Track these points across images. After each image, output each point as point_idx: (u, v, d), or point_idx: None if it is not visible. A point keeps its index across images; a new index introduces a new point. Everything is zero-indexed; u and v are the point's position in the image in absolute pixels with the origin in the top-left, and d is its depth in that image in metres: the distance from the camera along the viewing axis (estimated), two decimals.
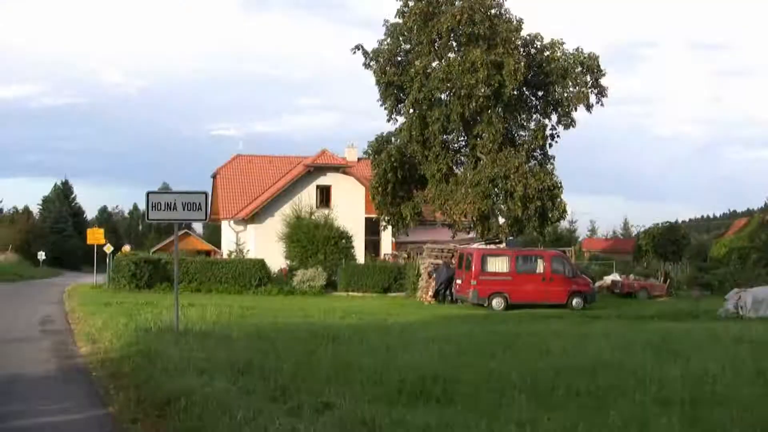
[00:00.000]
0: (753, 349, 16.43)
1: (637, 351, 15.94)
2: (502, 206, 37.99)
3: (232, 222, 53.35)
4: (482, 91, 37.28)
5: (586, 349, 16.16)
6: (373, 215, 52.22)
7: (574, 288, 34.57)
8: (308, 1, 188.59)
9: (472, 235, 44.45)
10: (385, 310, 30.23)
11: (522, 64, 37.67)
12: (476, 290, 33.53)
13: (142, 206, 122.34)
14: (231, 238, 54.11)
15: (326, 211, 45.99)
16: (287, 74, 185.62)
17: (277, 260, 44.13)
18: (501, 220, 40.37)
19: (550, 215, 39.16)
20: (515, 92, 38.64)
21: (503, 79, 37.39)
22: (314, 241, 43.40)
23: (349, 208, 50.42)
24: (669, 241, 47.64)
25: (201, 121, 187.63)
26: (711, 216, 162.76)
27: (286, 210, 47.71)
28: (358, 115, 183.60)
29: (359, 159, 56.54)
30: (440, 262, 38.10)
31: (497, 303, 33.52)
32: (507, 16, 39.94)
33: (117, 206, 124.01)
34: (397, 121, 42.80)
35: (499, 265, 34.30)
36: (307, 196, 50.47)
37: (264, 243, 47.90)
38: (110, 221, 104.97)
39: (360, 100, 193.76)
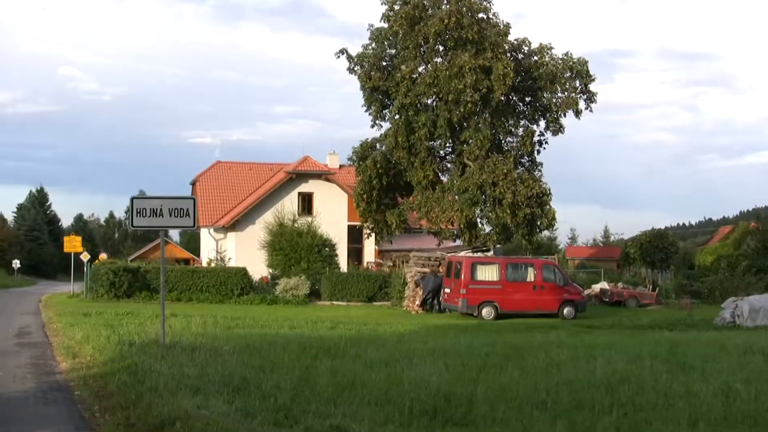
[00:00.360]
0: (767, 361, 15.79)
1: (646, 364, 15.17)
2: (490, 214, 37.11)
3: (212, 229, 52.29)
4: (470, 96, 36.51)
5: (595, 361, 15.38)
6: (356, 223, 51.31)
7: (565, 297, 33.87)
8: (284, 8, 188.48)
9: (458, 243, 43.72)
10: (373, 320, 29.32)
11: (510, 69, 36.95)
12: (466, 299, 32.72)
13: (118, 214, 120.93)
14: (211, 245, 53.02)
15: (309, 219, 45.00)
16: (263, 82, 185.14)
17: (258, 268, 43.12)
18: (488, 228, 39.52)
19: (539, 223, 38.42)
20: (503, 98, 37.85)
21: (492, 84, 36.68)
22: (297, 249, 42.43)
23: (332, 215, 49.49)
24: (657, 249, 47.03)
25: (177, 128, 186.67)
26: (687, 224, 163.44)
27: (268, 217, 46.73)
28: (334, 124, 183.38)
29: (341, 166, 55.59)
30: (427, 270, 37.24)
31: (487, 312, 32.74)
32: (495, 20, 39.26)
33: (93, 214, 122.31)
34: (381, 127, 42.06)
35: (488, 273, 33.50)
36: (289, 204, 49.52)
37: (245, 251, 46.93)
38: (86, 229, 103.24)
39: (336, 108, 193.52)
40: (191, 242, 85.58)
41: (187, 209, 15.10)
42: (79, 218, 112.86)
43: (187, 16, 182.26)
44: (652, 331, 27.09)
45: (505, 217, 36.71)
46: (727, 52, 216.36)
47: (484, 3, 39.04)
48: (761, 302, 29.76)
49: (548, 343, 20.03)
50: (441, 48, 39.59)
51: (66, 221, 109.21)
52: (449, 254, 38.35)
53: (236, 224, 50.09)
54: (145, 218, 14.92)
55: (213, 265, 47.79)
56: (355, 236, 52.31)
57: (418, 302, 35.98)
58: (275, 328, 24.72)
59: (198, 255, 64.61)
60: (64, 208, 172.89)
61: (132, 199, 14.86)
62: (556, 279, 34.17)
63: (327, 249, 43.36)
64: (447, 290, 34.44)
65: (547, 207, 38.26)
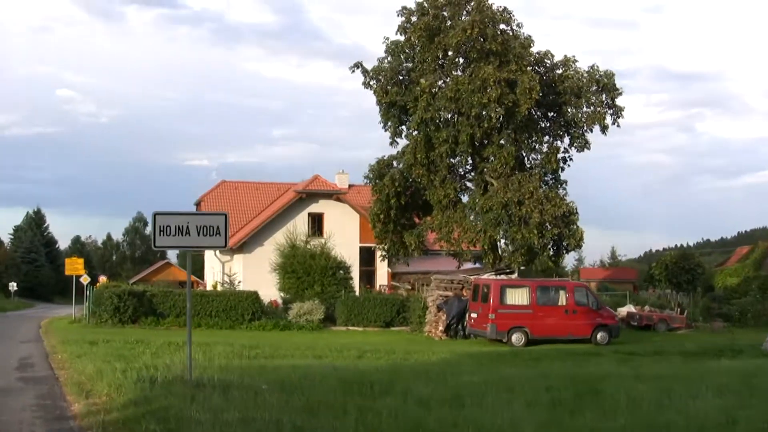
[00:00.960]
0: None
1: (731, 397, 13.33)
2: (516, 234, 35.16)
3: (217, 251, 50.26)
4: (494, 111, 34.69)
5: (680, 397, 13.48)
6: (369, 244, 49.53)
7: (598, 321, 31.97)
8: (280, 31, 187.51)
9: (477, 265, 41.83)
10: (398, 348, 27.30)
11: (537, 82, 35.17)
12: (495, 324, 30.78)
13: (116, 236, 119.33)
14: (216, 268, 51.10)
15: (321, 240, 43.01)
16: (260, 105, 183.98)
17: (268, 292, 41.07)
18: (511, 249, 37.48)
19: (565, 243, 36.51)
20: (528, 112, 36.00)
21: (517, 98, 34.84)
22: (310, 271, 40.47)
23: (343, 236, 47.43)
24: (683, 270, 45.15)
25: (174, 151, 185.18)
26: (685, 245, 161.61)
27: (278, 238, 44.78)
28: (331, 146, 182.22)
29: (350, 186, 53.81)
30: (450, 294, 35.32)
31: (517, 338, 30.81)
32: (518, 31, 37.52)
33: (90, 236, 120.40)
34: (398, 143, 40.25)
35: (518, 297, 31.56)
36: (299, 224, 47.57)
37: (253, 274, 44.90)
38: (83, 251, 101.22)
39: (333, 130, 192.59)
40: (195, 264, 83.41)
41: (218, 227, 13.16)
42: (76, 240, 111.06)
43: (183, 39, 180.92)
44: (703, 358, 25.20)
45: (532, 238, 34.82)
46: (723, 73, 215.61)
47: (506, 14, 37.29)
48: None
49: (607, 375, 18.12)
50: (461, 60, 37.83)
51: (63, 243, 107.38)
52: (474, 276, 36.45)
53: (244, 246, 48.10)
54: (170, 237, 12.98)
55: (219, 288, 45.90)
56: (366, 258, 50.41)
57: (441, 328, 34.01)
58: (299, 357, 22.80)
59: (201, 278, 62.59)
60: (62, 230, 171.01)
61: (154, 216, 12.93)
62: (588, 302, 32.26)
63: (341, 272, 41.41)
64: (474, 315, 32.48)
65: (574, 227, 36.37)
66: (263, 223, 48.43)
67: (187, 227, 13.04)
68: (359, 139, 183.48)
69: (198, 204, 54.12)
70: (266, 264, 43.19)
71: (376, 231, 40.62)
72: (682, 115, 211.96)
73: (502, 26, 36.91)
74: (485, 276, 36.49)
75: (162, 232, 12.99)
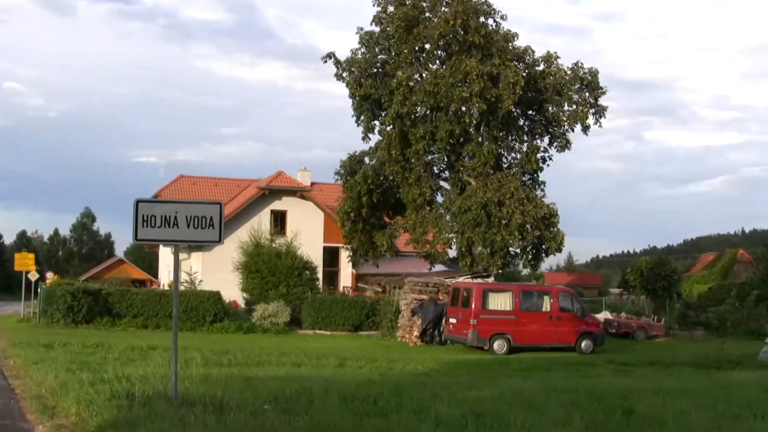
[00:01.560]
0: None
1: None
2: (496, 236, 33.51)
3: (173, 249, 47.87)
4: (477, 106, 33.02)
5: (725, 417, 11.91)
6: (333, 244, 47.68)
7: (583, 329, 30.47)
8: (233, 29, 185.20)
9: (449, 268, 40.19)
10: (379, 355, 25.43)
11: (520, 76, 33.60)
12: (476, 330, 29.07)
13: (63, 230, 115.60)
14: (172, 266, 48.74)
15: (287, 239, 40.92)
16: (211, 103, 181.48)
17: (229, 292, 38.91)
18: (488, 251, 35.76)
19: (545, 247, 34.94)
20: (511, 109, 34.42)
21: (500, 93, 33.22)
22: (275, 271, 38.45)
23: (307, 235, 45.32)
24: (659, 276, 43.96)
25: (123, 147, 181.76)
26: (631, 252, 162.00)
27: (239, 236, 42.64)
28: (282, 146, 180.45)
29: (313, 183, 51.85)
30: (425, 297, 33.58)
31: (499, 346, 29.14)
32: (501, 24, 35.97)
33: (36, 231, 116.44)
34: (369, 139, 38.43)
35: (501, 302, 29.89)
36: (261, 222, 45.41)
37: (212, 272, 42.60)
38: (29, 246, 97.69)
39: (283, 130, 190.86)
40: (140, 261, 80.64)
41: (211, 218, 11.28)
42: (22, 235, 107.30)
43: (135, 34, 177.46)
44: (703, 370, 23.72)
45: (513, 240, 33.24)
46: (672, 82, 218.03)
47: (488, 6, 35.66)
48: None
49: (625, 389, 16.45)
50: (441, 53, 36.12)
51: (8, 238, 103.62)
52: (450, 279, 34.79)
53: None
54: (154, 229, 11.02)
55: (182, 287, 43.67)
56: (329, 259, 48.55)
57: (416, 333, 32.25)
58: (276, 365, 20.80)
59: (155, 276, 60.12)
60: (5, 225, 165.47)
61: (137, 203, 10.94)
62: (573, 309, 30.73)
63: (308, 272, 39.46)
64: (452, 320, 30.76)
65: (555, 229, 34.86)
66: (224, 219, 46.16)
67: (175, 218, 11.11)
68: (311, 140, 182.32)
69: (155, 198, 51.64)
70: (227, 263, 41.05)
71: (345, 230, 38.77)
72: (630, 123, 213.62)
73: (485, 19, 35.25)
74: (462, 279, 34.88)
75: (145, 223, 11.02)
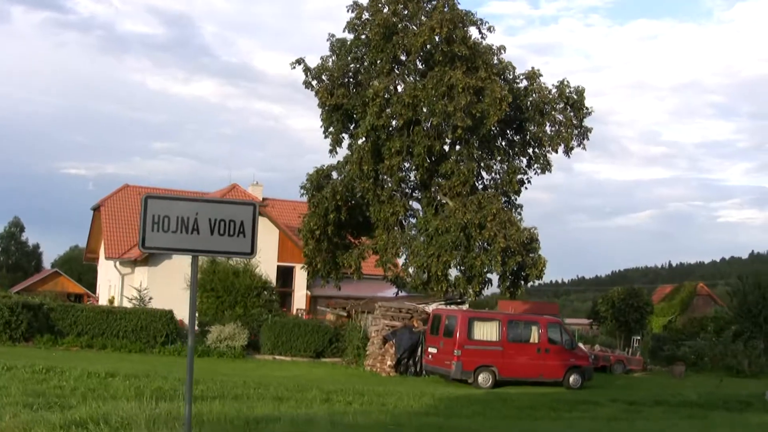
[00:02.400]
0: None
1: None
2: (476, 261, 31.25)
3: (117, 263, 44.73)
4: (462, 120, 30.77)
5: None
6: (287, 263, 45.05)
7: (572, 362, 28.34)
8: (169, 44, 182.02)
9: (415, 293, 37.80)
10: (361, 388, 22.87)
11: (507, 92, 31.56)
12: (461, 362, 26.70)
13: None
14: (114, 281, 45.60)
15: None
16: (143, 117, 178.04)
17: (178, 311, 35.63)
18: (464, 276, 33.38)
19: (527, 273, 32.74)
20: (496, 126, 32.33)
21: (486, 108, 31.10)
22: (232, 291, 35.64)
23: (260, 253, 42.21)
24: (631, 308, 42.23)
25: (52, 158, 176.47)
26: (560, 281, 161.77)
27: None
28: (211, 164, 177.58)
29: (264, 199, 49.13)
30: (398, 324, 31.16)
31: (484, 379, 26.89)
32: (487, 34, 33.95)
33: None
34: (337, 153, 35.98)
35: (487, 331, 27.60)
36: None
37: (160, 289, 39.46)
38: None
39: (213, 147, 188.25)
40: (70, 274, 76.30)
41: (242, 223, 8.71)
42: None
43: (71, 45, 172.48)
44: (718, 411, 21.71)
45: (494, 266, 31.01)
46: (603, 116, 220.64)
47: (475, 17, 33.67)
48: None
49: None
50: (420, 64, 33.91)
51: None
52: (424, 305, 32.47)
53: (149, 258, 42.62)
54: (168, 234, 8.42)
55: (116, 303, 40.59)
56: (283, 279, 45.82)
57: (389, 362, 29.75)
58: (257, 399, 18.13)
59: (93, 291, 56.57)
60: None
61: (146, 200, 8.38)
62: (562, 340, 28.60)
63: (266, 293, 36.72)
64: (432, 350, 28.36)
65: (536, 255, 32.72)
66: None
67: (196, 221, 8.52)
68: (241, 158, 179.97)
69: (97, 209, 48.34)
70: (175, 279, 37.97)
71: (307, 248, 36.10)
72: (561, 154, 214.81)
73: (470, 29, 33.18)
74: (435, 306, 32.58)
75: (156, 226, 8.42)
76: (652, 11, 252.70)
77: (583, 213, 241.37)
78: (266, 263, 42.13)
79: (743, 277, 42.78)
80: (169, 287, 37.91)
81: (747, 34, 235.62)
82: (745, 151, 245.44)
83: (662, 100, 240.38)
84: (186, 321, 35.15)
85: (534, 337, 28.12)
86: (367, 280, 40.99)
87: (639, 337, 43.15)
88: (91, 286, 65.15)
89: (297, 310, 45.02)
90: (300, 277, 44.58)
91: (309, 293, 45.76)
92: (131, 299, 35.59)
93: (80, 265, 76.18)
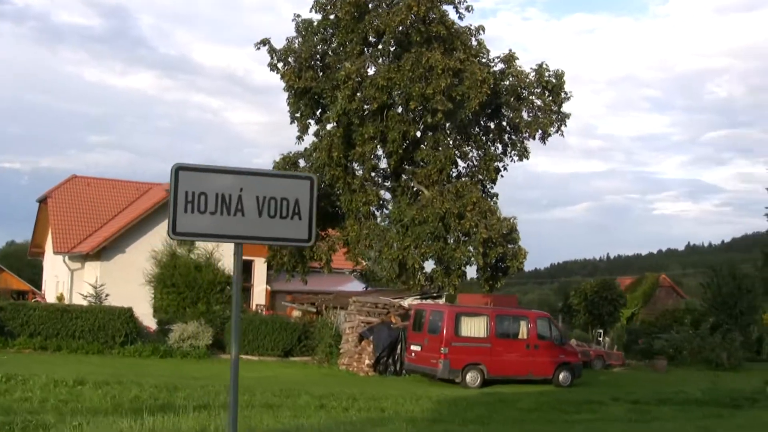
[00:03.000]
0: None
1: None
2: (455, 252, 29.64)
3: (66, 257, 42.16)
4: (442, 104, 29.09)
5: None
6: (246, 256, 42.80)
7: (561, 358, 26.92)
8: (106, 35, 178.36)
9: (383, 287, 36.22)
10: (351, 392, 21.07)
11: (488, 74, 30.00)
12: (448, 360, 25.07)
13: None
14: (62, 277, 43.06)
15: (209, 249, 35.83)
16: (79, 109, 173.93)
17: (135, 309, 33.57)
18: (439, 269, 31.70)
19: (508, 264, 31.20)
20: (478, 110, 30.70)
21: (467, 91, 29.48)
22: (194, 286, 33.51)
23: (222, 246, 40.27)
24: (605, 301, 41.09)
25: None
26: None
27: (144, 244, 37.57)
28: (148, 156, 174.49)
29: None
30: (374, 320, 29.43)
31: (472, 378, 25.38)
32: (464, 15, 32.34)
33: None
34: (302, 140, 34.08)
35: (475, 327, 26.01)
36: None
37: (114, 285, 37.01)
38: None
39: (150, 140, 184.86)
40: (11, 270, 72.93)
41: (297, 202, 6.88)
42: None
43: (5, 35, 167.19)
44: (729, 409, 20.42)
45: (476, 258, 29.43)
46: None
47: None
48: None
49: None
50: (393, 45, 32.10)
51: None
52: (400, 300, 30.82)
53: (102, 252, 40.19)
54: (205, 216, 6.59)
55: (66, 301, 38.14)
56: (242, 273, 43.66)
57: (368, 361, 28.00)
58: (246, 407, 16.22)
59: (39, 287, 53.80)
60: None
61: (176, 171, 6.54)
62: (551, 336, 27.16)
63: (229, 288, 34.61)
64: (415, 348, 26.67)
65: (516, 246, 31.23)
66: (127, 225, 40.58)
67: (240, 199, 6.68)
68: (179, 151, 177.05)
69: (43, 201, 45.62)
70: (130, 274, 35.90)
71: None
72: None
73: (448, 8, 31.53)
74: (411, 300, 30.97)
75: (190, 206, 6.57)
76: (589, 5, 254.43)
77: (521, 206, 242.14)
78: (225, 257, 40.14)
79: (717, 269, 41.94)
80: (125, 283, 35.76)
81: (682, 29, 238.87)
82: (680, 144, 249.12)
83: (598, 93, 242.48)
84: (144, 320, 33.11)
85: (523, 332, 26.64)
86: (337, 275, 39.35)
87: (601, 331, 42.12)
88: (33, 282, 62.21)
89: (257, 305, 42.91)
90: (259, 271, 42.55)
91: (269, 288, 43.72)
92: (86, 296, 33.23)
93: (18, 261, 72.84)
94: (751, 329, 40.98)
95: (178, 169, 6.56)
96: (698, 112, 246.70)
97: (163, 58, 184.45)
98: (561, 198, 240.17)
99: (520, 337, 26.59)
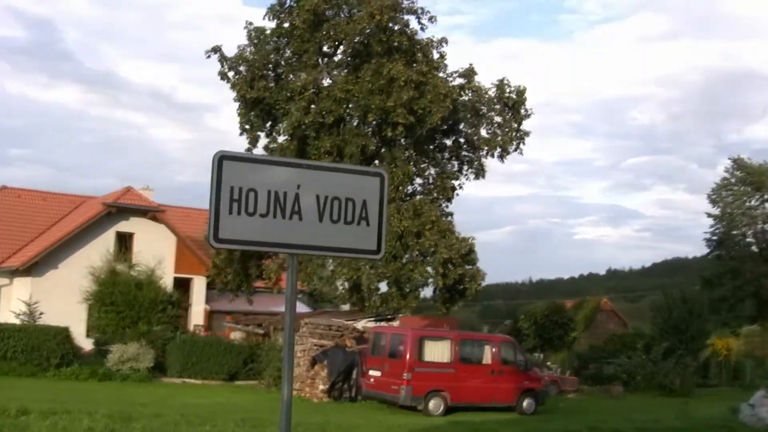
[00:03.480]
0: None
1: None
2: (413, 273, 28.46)
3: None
4: (404, 117, 27.94)
5: None
6: (185, 274, 41.07)
7: (525, 384, 25.76)
8: (30, 48, 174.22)
9: (337, 308, 34.84)
10: (319, 422, 19.61)
11: (451, 88, 29.02)
12: (410, 387, 23.74)
13: None
14: None
15: (151, 266, 33.92)
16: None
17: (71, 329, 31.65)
18: (395, 290, 30.43)
19: (466, 286, 30.11)
20: (439, 125, 29.64)
21: (429, 105, 28.40)
22: (134, 305, 31.67)
23: (162, 263, 38.37)
24: (555, 325, 40.31)
25: None
26: (424, 297, 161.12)
27: (78, 260, 35.58)
28: (69, 172, 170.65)
29: (159, 205, 44.94)
30: (327, 343, 28.01)
31: (435, 405, 24.01)
32: (426, 26, 31.33)
33: None
34: (252, 153, 32.49)
35: (438, 352, 24.74)
36: (104, 245, 38.10)
37: (46, 303, 34.90)
38: None
39: (72, 156, 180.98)
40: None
41: (364, 204, 5.54)
42: None
43: None
44: None
45: (436, 278, 28.31)
46: None
47: (412, 4, 30.92)
48: None
49: None
50: (350, 57, 30.95)
51: None
52: (353, 322, 29.47)
53: (33, 267, 37.90)
54: (254, 219, 5.24)
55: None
56: (181, 292, 41.79)
57: (322, 387, 26.54)
58: None
59: None
60: None
61: (220, 160, 5.14)
62: (516, 361, 26.04)
63: (171, 307, 32.87)
64: (374, 373, 25.28)
65: (475, 267, 30.23)
66: (61, 239, 38.30)
67: (297, 198, 5.34)
68: (103, 167, 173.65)
69: None
70: (64, 292, 33.91)
71: (218, 258, 32.61)
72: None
73: (410, 18, 30.50)
74: (364, 322, 29.68)
75: (236, 206, 5.19)
76: (515, 30, 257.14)
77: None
78: (161, 274, 38.26)
79: (668, 293, 41.56)
80: (57, 301, 33.70)
81: (605, 56, 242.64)
82: (602, 169, 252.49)
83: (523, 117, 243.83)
84: (78, 341, 31.21)
85: (487, 357, 25.45)
86: (268, 294, 37.78)
87: (541, 355, 41.44)
88: None
89: (194, 326, 41.03)
90: (198, 289, 40.79)
91: (208, 308, 41.90)
92: (18, 314, 31.08)
93: None
94: (700, 355, 40.63)
95: (222, 158, 5.18)
96: (620, 139, 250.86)
97: (88, 73, 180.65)
98: (484, 221, 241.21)
99: (484, 362, 25.38)
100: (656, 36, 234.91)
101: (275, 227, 5.31)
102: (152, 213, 40.84)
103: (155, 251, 39.08)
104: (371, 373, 25.43)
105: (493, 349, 25.49)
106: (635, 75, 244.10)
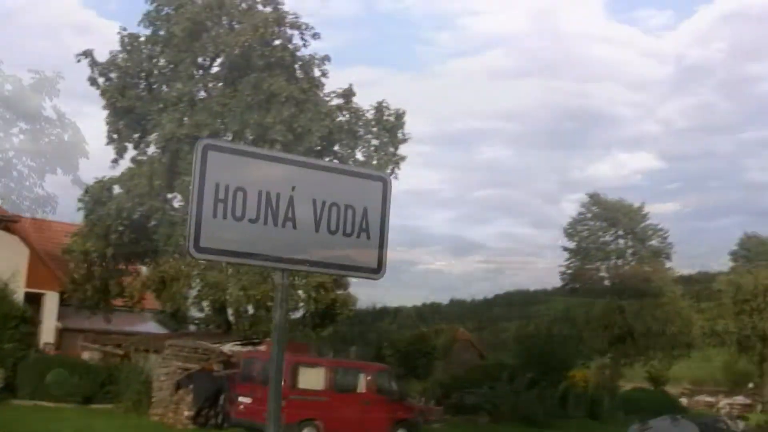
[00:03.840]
0: None
1: None
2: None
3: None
4: (283, 135, 27.09)
5: None
6: (36, 290, 38.59)
7: (399, 415, 25.23)
8: None
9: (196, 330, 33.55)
10: None
11: (331, 107, 28.43)
12: (283, 415, 22.71)
13: None
14: None
15: (5, 277, 31.56)
16: None
17: None
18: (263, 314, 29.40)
19: (338, 311, 29.42)
20: (315, 144, 28.91)
21: (309, 123, 27.69)
22: None
23: (5, 277, 35.93)
24: (420, 354, 40.01)
25: None
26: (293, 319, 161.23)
27: None
28: None
29: (13, 215, 42.22)
30: (193, 366, 26.68)
31: None
32: (309, 43, 30.62)
33: None
34: (117, 165, 31.14)
35: (313, 379, 23.91)
36: None
37: None
38: None
39: None
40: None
41: (365, 213, 4.72)
42: None
43: None
44: None
45: (307, 303, 27.51)
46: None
47: (299, 20, 30.18)
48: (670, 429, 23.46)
49: None
50: (227, 69, 29.92)
51: None
52: (219, 345, 28.24)
53: None
54: (241, 225, 4.35)
55: None
56: (31, 308, 39.30)
57: (187, 413, 25.18)
58: None
59: None
60: None
61: (204, 150, 4.22)
62: (390, 390, 25.46)
63: (24, 324, 30.68)
64: (245, 400, 24.14)
65: (346, 293, 29.63)
66: None
67: (291, 202, 4.53)
68: None
69: None
70: None
71: (78, 274, 30.78)
72: None
73: (293, 33, 29.73)
74: (231, 346, 28.52)
75: (222, 208, 4.35)
76: (373, 59, 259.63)
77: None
78: (21, 288, 35.87)
79: (529, 323, 42.06)
80: None
81: (456, 89, 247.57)
82: (448, 200, 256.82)
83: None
84: None
85: (361, 386, 24.79)
86: (127, 313, 36.01)
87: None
88: None
89: (44, 344, 38.55)
90: (50, 306, 38.42)
91: (59, 325, 39.51)
92: None
93: None
94: (560, 386, 41.10)
95: (207, 148, 4.32)
96: (466, 171, 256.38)
97: None
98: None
99: (357, 390, 24.72)
100: (505, 73, 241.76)
101: (264, 235, 4.50)
102: (5, 223, 38.21)
103: (5, 264, 36.54)
104: (241, 399, 24.29)
105: (368, 378, 24.86)
106: (485, 109, 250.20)
